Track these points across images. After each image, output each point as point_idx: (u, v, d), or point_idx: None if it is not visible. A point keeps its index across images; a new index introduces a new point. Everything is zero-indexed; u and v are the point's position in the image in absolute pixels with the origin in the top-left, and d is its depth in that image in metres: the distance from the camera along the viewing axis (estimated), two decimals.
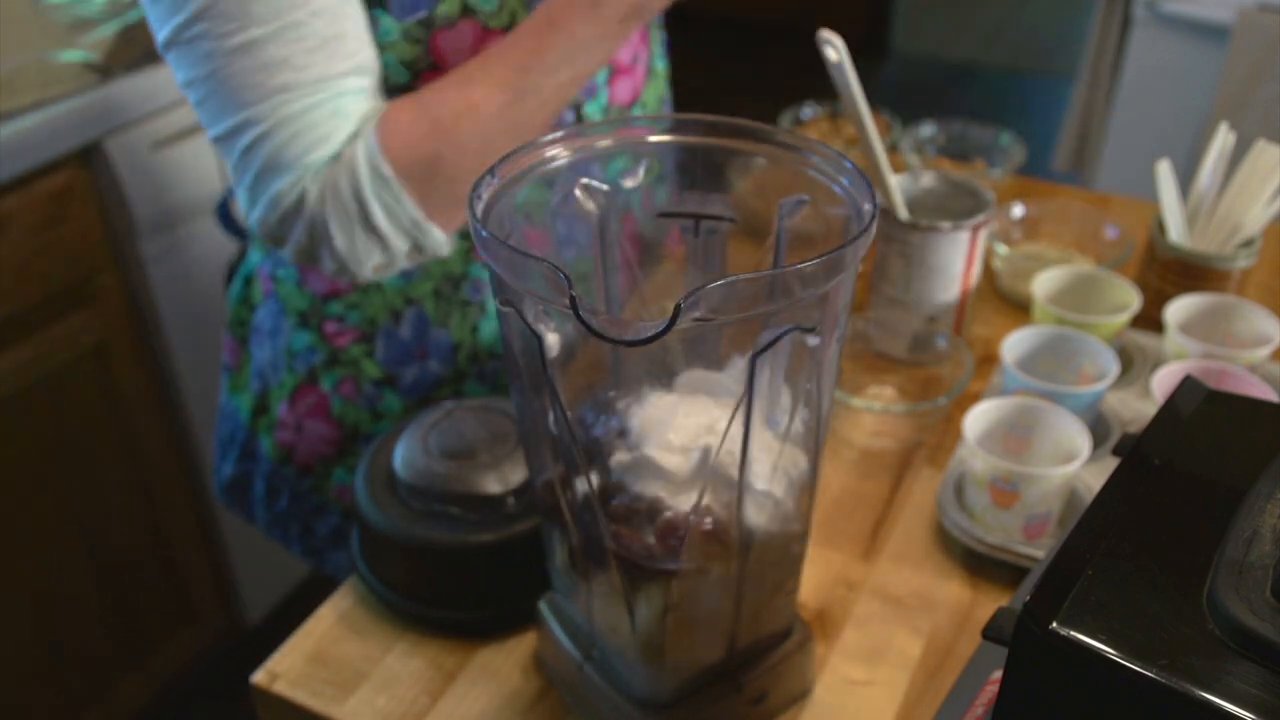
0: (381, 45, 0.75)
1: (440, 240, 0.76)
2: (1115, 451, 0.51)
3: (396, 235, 0.74)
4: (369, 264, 0.75)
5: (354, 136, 0.72)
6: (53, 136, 1.29)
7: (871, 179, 0.65)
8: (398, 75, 0.77)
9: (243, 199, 0.75)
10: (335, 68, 0.71)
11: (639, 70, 0.90)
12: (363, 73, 0.73)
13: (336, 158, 0.72)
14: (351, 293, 0.88)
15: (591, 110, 0.86)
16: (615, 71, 0.87)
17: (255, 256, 0.97)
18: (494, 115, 0.71)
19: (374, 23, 0.75)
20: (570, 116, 0.85)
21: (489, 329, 0.90)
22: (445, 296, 0.87)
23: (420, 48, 0.76)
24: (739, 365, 0.56)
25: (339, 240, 0.73)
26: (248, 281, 0.99)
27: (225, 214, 1.22)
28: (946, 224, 0.87)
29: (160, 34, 0.71)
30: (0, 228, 1.27)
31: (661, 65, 0.96)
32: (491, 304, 0.88)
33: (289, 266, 0.89)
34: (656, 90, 0.95)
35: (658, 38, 0.94)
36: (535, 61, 0.71)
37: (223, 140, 0.72)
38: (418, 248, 0.76)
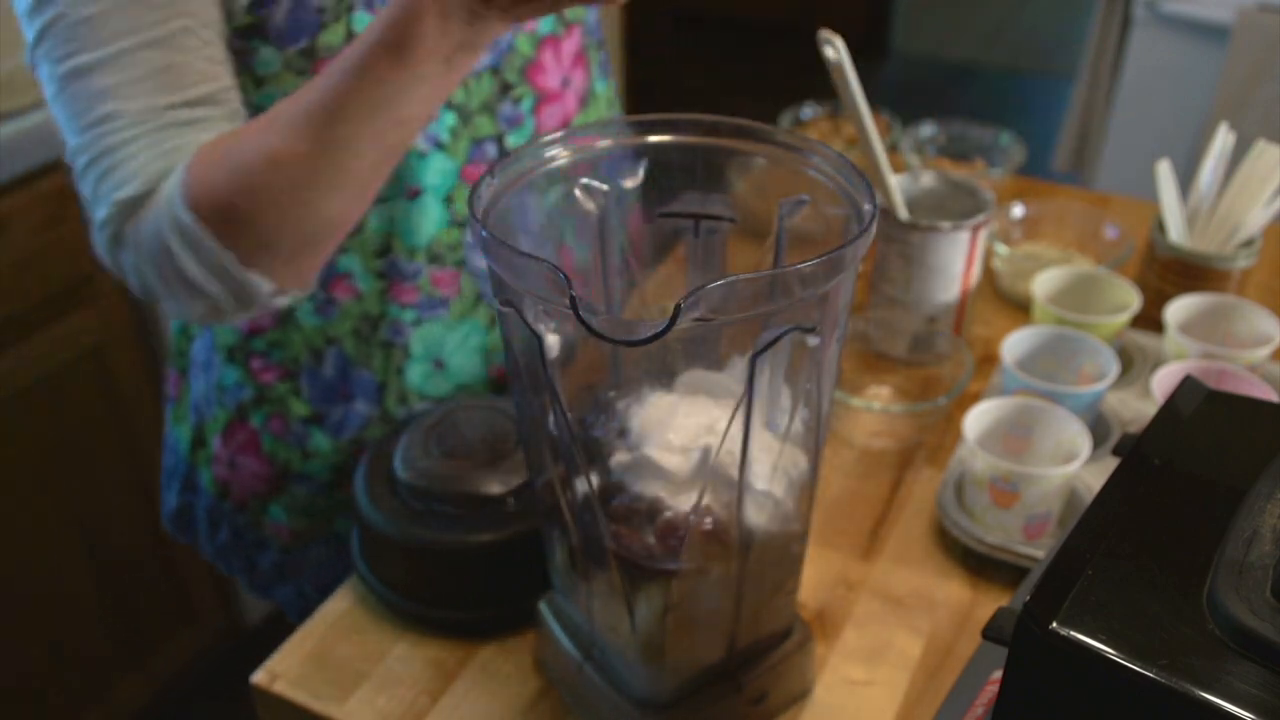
0: (261, 78, 0.72)
1: (266, 289, 0.69)
2: (1115, 451, 0.51)
3: (210, 282, 0.68)
4: (194, 311, 0.70)
5: (167, 175, 0.67)
6: (53, 136, 1.28)
7: (871, 179, 0.64)
8: None
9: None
10: (164, 99, 0.66)
11: (570, 96, 0.86)
12: (199, 104, 0.68)
13: (149, 196, 0.67)
14: (273, 330, 0.85)
15: (515, 141, 0.82)
16: (543, 99, 0.83)
17: None
18: (297, 166, 0.64)
19: (252, 54, 0.71)
20: (493, 150, 0.82)
21: (416, 372, 0.86)
22: (364, 337, 0.84)
23: (304, 79, 0.71)
24: (739, 365, 0.56)
25: (153, 283, 0.69)
26: None
27: None
28: (946, 224, 0.87)
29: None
30: (0, 228, 1.26)
31: (603, 88, 0.92)
32: (416, 346, 0.85)
33: None
34: (597, 113, 0.91)
35: (596, 59, 0.90)
36: (338, 111, 0.62)
37: (69, 160, 0.69)
38: (238, 298, 0.69)
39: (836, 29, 0.81)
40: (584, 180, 0.58)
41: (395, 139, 0.65)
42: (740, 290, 0.44)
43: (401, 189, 0.78)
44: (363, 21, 0.72)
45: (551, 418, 0.52)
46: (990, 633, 0.42)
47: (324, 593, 0.93)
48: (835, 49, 0.79)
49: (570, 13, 0.84)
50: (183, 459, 0.98)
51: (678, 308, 0.42)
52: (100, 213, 0.68)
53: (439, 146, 0.78)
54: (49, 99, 0.69)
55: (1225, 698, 0.35)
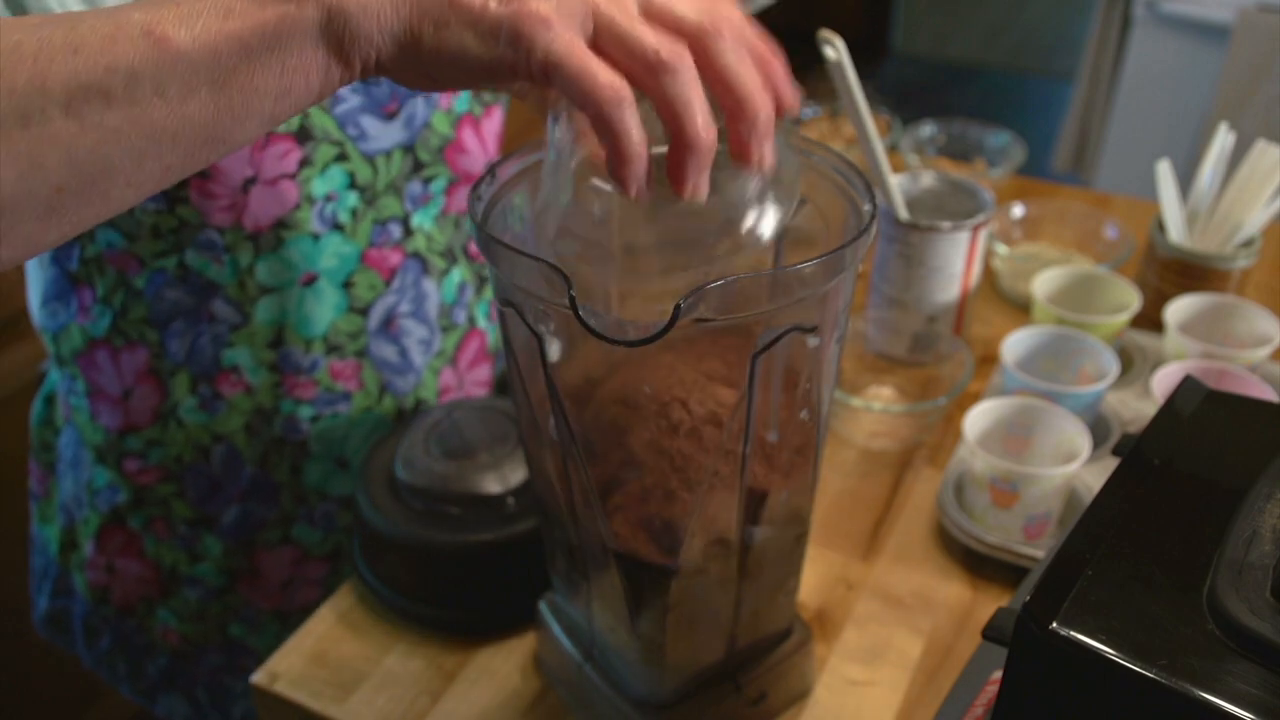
0: None
1: None
2: (1115, 451, 0.51)
3: None
4: None
5: None
6: None
7: (871, 179, 0.64)
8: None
9: None
10: None
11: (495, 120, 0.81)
12: None
13: None
14: (150, 427, 0.78)
15: (420, 219, 0.77)
16: (460, 180, 0.79)
17: (55, 375, 0.85)
18: None
19: None
20: (397, 230, 0.76)
21: (316, 471, 0.80)
22: (258, 432, 0.78)
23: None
24: (739, 365, 0.56)
25: None
26: (49, 401, 0.87)
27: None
28: (946, 224, 0.87)
29: None
30: None
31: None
32: (315, 444, 0.79)
33: (80, 395, 0.79)
34: None
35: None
36: (65, 76, 0.38)
37: None
38: None
39: (836, 29, 0.81)
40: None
41: (150, 157, 0.40)
42: (740, 290, 0.44)
43: (295, 275, 0.72)
44: None
45: (551, 418, 0.52)
46: (990, 633, 0.42)
47: (218, 703, 0.88)
48: (835, 49, 0.79)
49: (487, 94, 0.78)
50: (52, 561, 0.90)
51: (678, 308, 0.42)
52: None
53: (336, 228, 0.72)
54: None
55: (1225, 698, 0.35)
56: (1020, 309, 1.02)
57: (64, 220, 0.41)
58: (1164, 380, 0.80)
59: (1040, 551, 0.72)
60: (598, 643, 0.62)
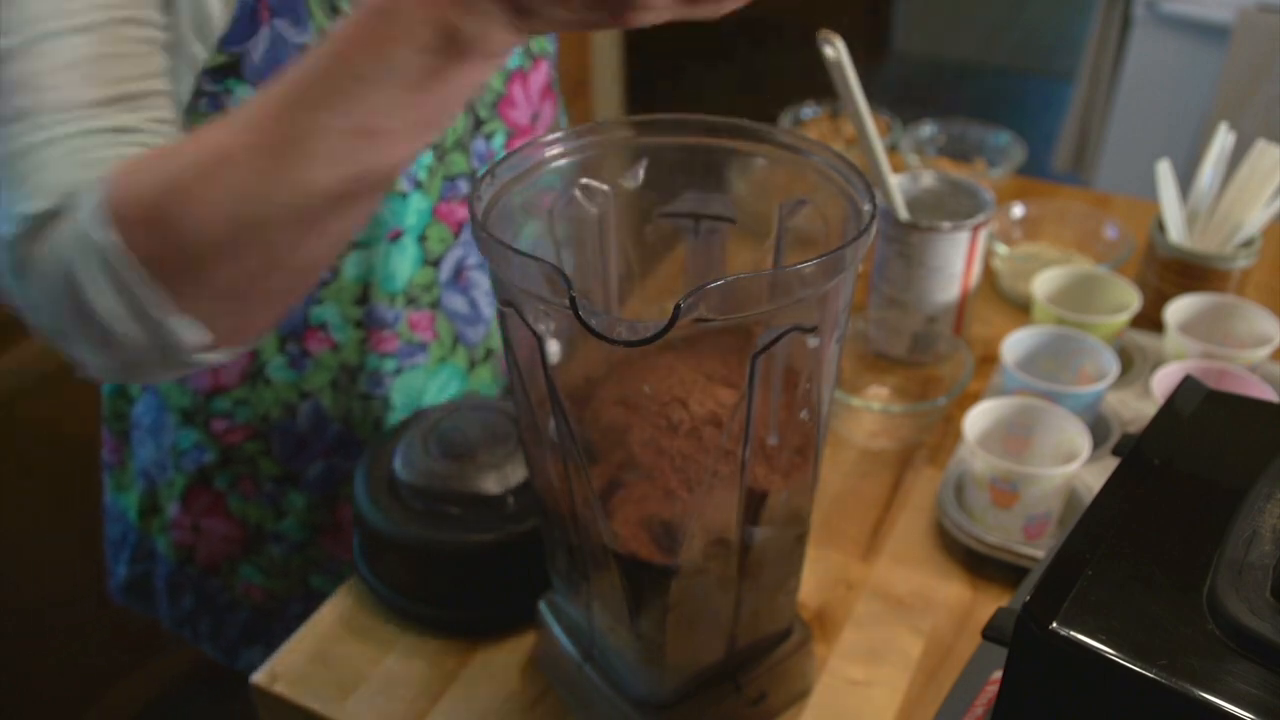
0: None
1: (192, 340, 0.55)
2: (1115, 451, 0.51)
3: (126, 324, 0.54)
4: (105, 363, 0.57)
5: (79, 190, 0.54)
6: None
7: (871, 179, 0.64)
8: None
9: None
10: (88, 94, 0.55)
11: (540, 130, 0.85)
12: (139, 107, 0.57)
13: (54, 215, 0.54)
14: (238, 387, 0.80)
15: None
16: (514, 134, 0.82)
17: None
18: (244, 164, 0.51)
19: (227, 95, 0.65)
20: (464, 186, 0.80)
21: (396, 422, 0.82)
22: (343, 389, 0.81)
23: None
24: (739, 365, 0.56)
25: (45, 318, 0.56)
26: None
27: None
28: (946, 224, 0.87)
29: None
30: None
31: (564, 122, 0.92)
32: (396, 397, 0.82)
33: None
34: None
35: (559, 92, 0.89)
36: (296, 98, 0.50)
37: None
38: (165, 351, 0.55)
39: (836, 29, 0.81)
40: (584, 180, 0.58)
41: (358, 158, 0.51)
42: (740, 290, 0.44)
43: (383, 232, 0.76)
44: None
45: (551, 418, 0.52)
46: (990, 633, 0.42)
47: None
48: (835, 49, 0.79)
49: (535, 45, 0.82)
50: (132, 528, 0.92)
51: (678, 308, 0.42)
52: (2, 230, 0.55)
53: (417, 185, 0.77)
54: None
55: (1225, 698, 0.35)
56: (1020, 309, 1.02)
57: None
58: (1164, 380, 0.80)
59: (1040, 551, 0.72)
60: (598, 643, 0.62)
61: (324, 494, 0.85)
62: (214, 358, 0.58)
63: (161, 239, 0.52)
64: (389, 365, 0.81)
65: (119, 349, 0.55)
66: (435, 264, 0.81)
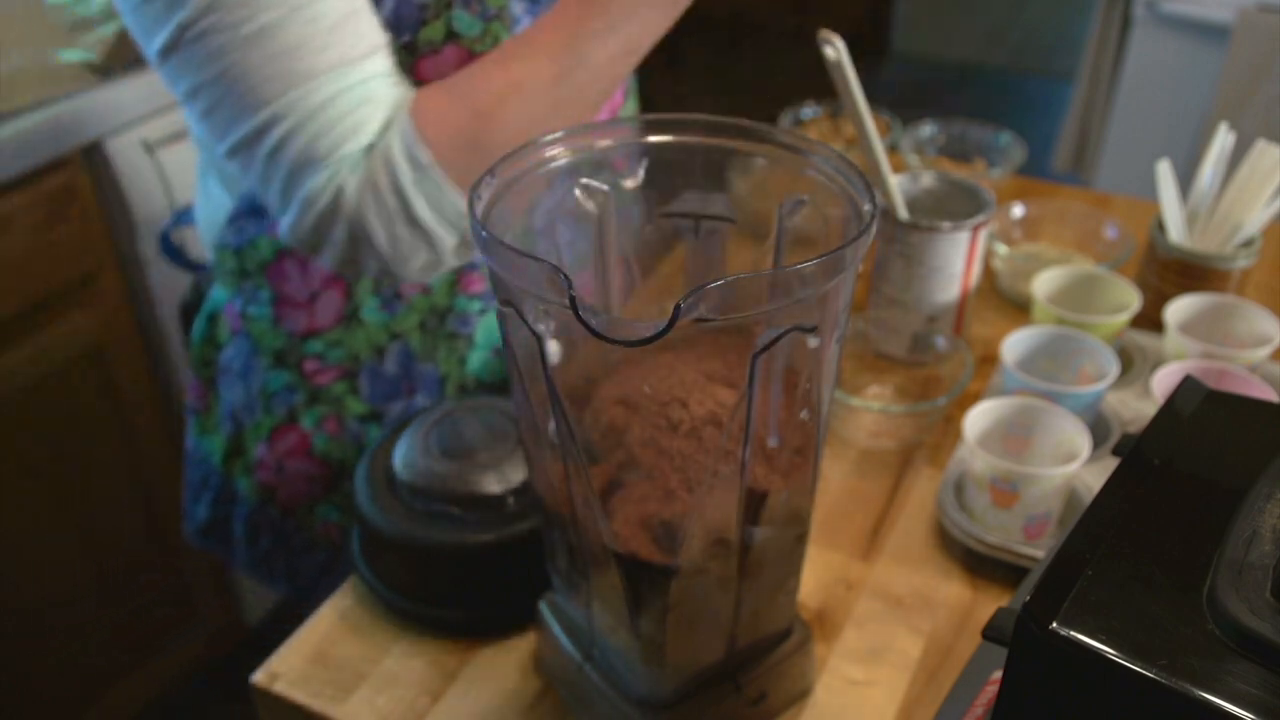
0: None
1: None
2: (1115, 451, 0.51)
3: (443, 228, 0.69)
4: (415, 263, 0.71)
5: (387, 125, 0.68)
6: (53, 136, 1.29)
7: (871, 179, 0.64)
8: None
9: (273, 205, 0.71)
10: (356, 49, 0.66)
11: (617, 99, 0.88)
12: (382, 54, 0.69)
13: (371, 149, 0.68)
14: (332, 330, 0.85)
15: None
16: None
17: (219, 294, 0.92)
18: (540, 91, 0.66)
19: None
20: None
21: (476, 359, 0.87)
22: (431, 330, 0.85)
23: (403, 72, 0.72)
24: (739, 365, 0.56)
25: (381, 239, 0.69)
26: (211, 320, 0.94)
27: (169, 246, 1.11)
28: (946, 224, 0.87)
29: (156, 40, 0.66)
30: (0, 228, 1.27)
31: (633, 82, 0.94)
32: (480, 335, 0.86)
33: (262, 304, 0.86)
34: (630, 109, 0.94)
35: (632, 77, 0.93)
36: (580, 28, 0.66)
37: (242, 148, 0.68)
38: (466, 241, 0.71)
39: (836, 29, 0.81)
40: (584, 180, 0.58)
41: (623, 67, 0.68)
42: (740, 290, 0.44)
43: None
44: (461, 19, 0.73)
45: (551, 418, 0.52)
46: (990, 633, 0.42)
47: None
48: (835, 49, 0.79)
49: None
50: (215, 470, 0.96)
51: (678, 308, 0.42)
52: (318, 176, 0.67)
53: None
54: (204, 84, 0.65)
55: (1225, 698, 0.35)
56: (1020, 309, 1.02)
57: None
58: (1164, 380, 0.80)
59: (1040, 551, 0.72)
60: (598, 643, 0.62)
61: None
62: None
63: (470, 154, 0.67)
64: (475, 306, 0.85)
65: (430, 248, 0.70)
66: None
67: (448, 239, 0.70)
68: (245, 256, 0.85)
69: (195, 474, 0.99)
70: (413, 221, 0.68)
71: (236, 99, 0.65)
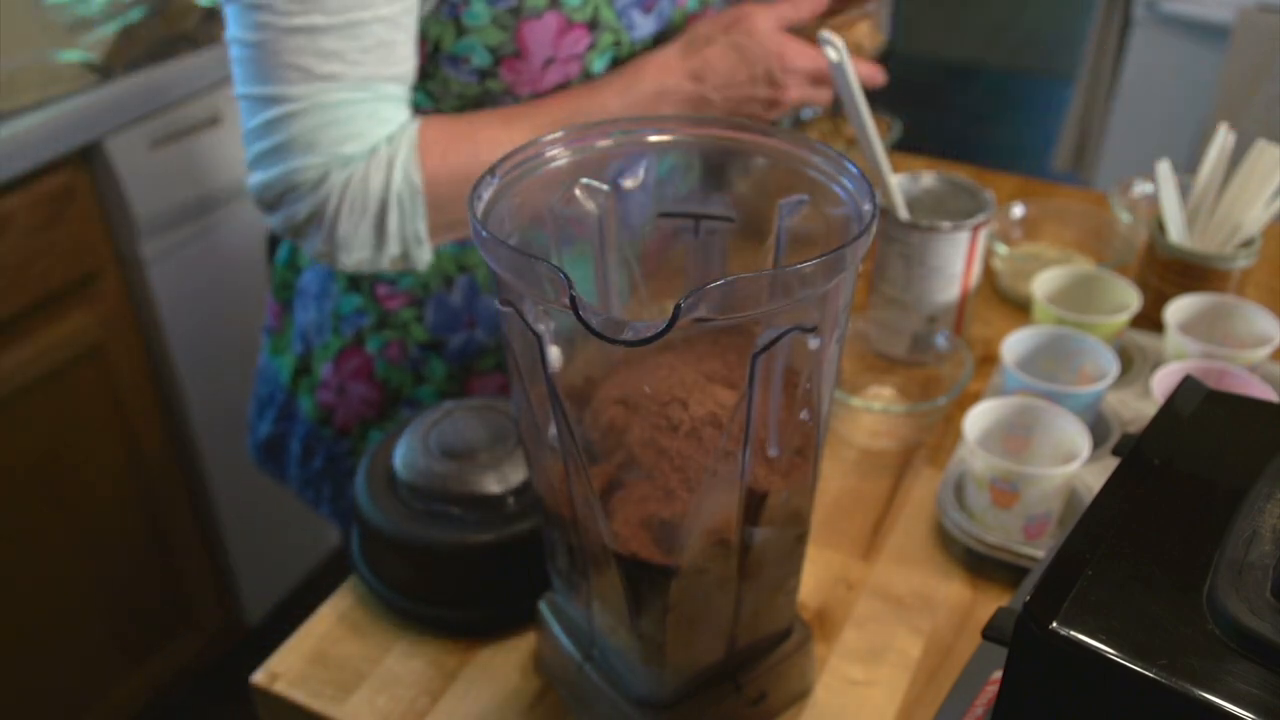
0: (468, 28, 0.78)
1: (427, 258, 0.79)
2: (1115, 451, 0.51)
3: (396, 242, 0.77)
4: (354, 257, 0.77)
5: (391, 139, 0.75)
6: (53, 136, 1.29)
7: (871, 179, 0.65)
8: (481, 59, 0.79)
9: (249, 157, 0.76)
10: (384, 71, 0.74)
11: None
12: (402, 82, 0.76)
13: (371, 154, 0.75)
14: None
15: None
16: None
17: None
18: None
19: (464, 6, 0.77)
20: None
21: None
22: None
23: (506, 34, 0.78)
24: (739, 366, 0.56)
25: (342, 228, 0.76)
26: (295, 247, 1.00)
27: None
28: (946, 224, 0.87)
29: None
30: (0, 228, 1.27)
31: None
32: None
33: None
34: None
35: None
36: (592, 107, 0.79)
37: (249, 100, 0.74)
38: (404, 258, 0.78)
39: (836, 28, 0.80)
40: (584, 180, 0.58)
41: None
42: (740, 290, 0.44)
43: None
44: None
45: (551, 418, 0.52)
46: (990, 633, 0.42)
47: None
48: (836, 50, 0.79)
49: None
50: (281, 387, 1.02)
51: (678, 308, 0.42)
52: (311, 159, 0.73)
53: None
54: (244, 40, 0.72)
55: (1225, 698, 0.35)
56: (1020, 309, 1.02)
57: None
58: (1164, 380, 0.80)
59: (1040, 551, 0.72)
60: (598, 643, 0.62)
61: (461, 364, 0.94)
62: (422, 266, 0.80)
63: (457, 190, 0.76)
64: None
65: (377, 254, 0.77)
66: None
67: (394, 250, 0.78)
68: None
69: (264, 391, 1.06)
70: (380, 226, 0.76)
71: (262, 66, 0.72)
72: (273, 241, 1.07)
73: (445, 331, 0.93)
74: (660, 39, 0.86)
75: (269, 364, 1.05)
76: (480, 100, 0.83)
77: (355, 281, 0.93)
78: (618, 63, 0.85)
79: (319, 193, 0.75)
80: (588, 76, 0.84)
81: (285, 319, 1.02)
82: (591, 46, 0.81)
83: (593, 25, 0.80)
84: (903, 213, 0.88)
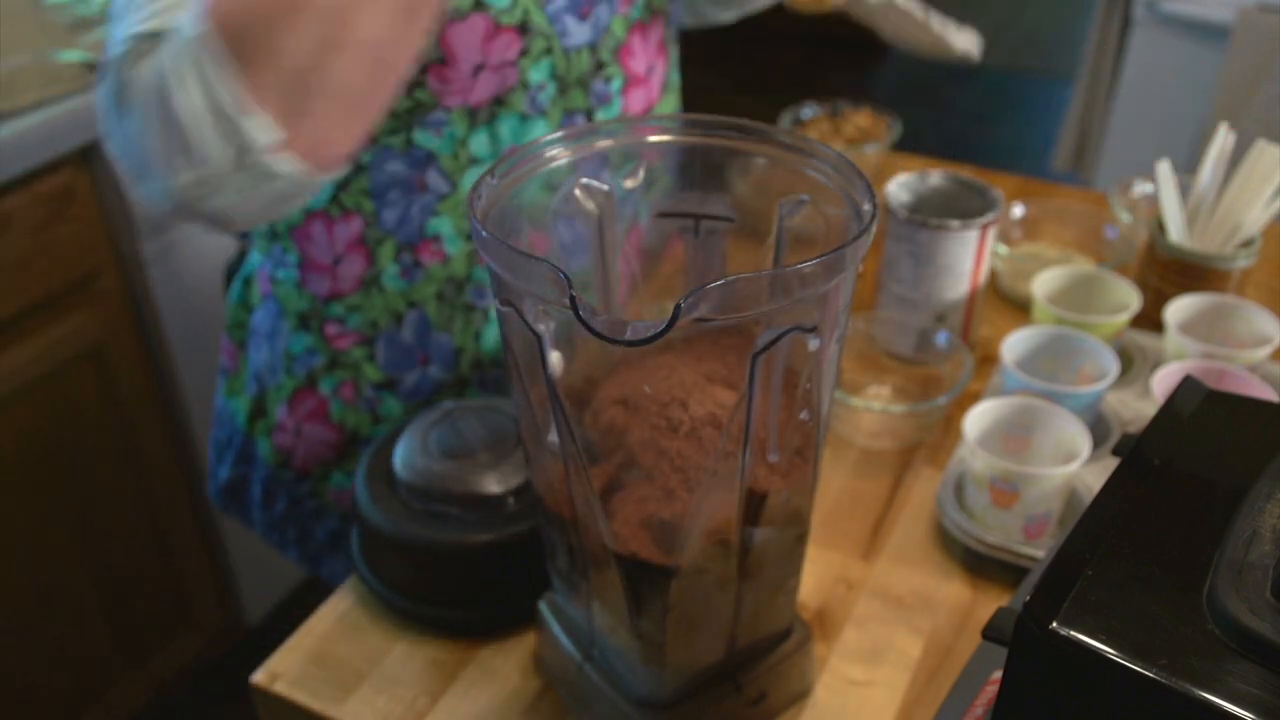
0: None
1: (264, 140, 0.60)
2: (1115, 451, 0.51)
3: (205, 128, 0.59)
4: (178, 177, 0.61)
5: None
6: (53, 136, 1.29)
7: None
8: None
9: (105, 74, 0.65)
10: None
11: (654, 82, 0.89)
12: None
13: (156, 37, 0.62)
14: (354, 294, 0.87)
15: (603, 116, 0.86)
16: (630, 81, 0.86)
17: (255, 258, 0.95)
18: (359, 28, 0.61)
19: None
20: (581, 121, 0.85)
21: (492, 335, 0.88)
22: (448, 300, 0.86)
23: (430, 38, 0.73)
24: (739, 366, 0.56)
25: (134, 153, 0.63)
26: (247, 283, 0.97)
27: None
28: (956, 222, 0.87)
29: None
30: (0, 228, 1.27)
31: (676, 79, 0.96)
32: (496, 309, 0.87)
33: (289, 268, 0.89)
34: (670, 105, 0.94)
35: (674, 51, 0.94)
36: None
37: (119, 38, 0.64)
38: (241, 152, 0.60)
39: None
40: (584, 180, 0.58)
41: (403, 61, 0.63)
42: (740, 290, 0.44)
43: (501, 149, 0.81)
44: None
45: (552, 418, 0.52)
46: (990, 633, 0.42)
47: None
48: None
49: (657, 1, 0.87)
50: (238, 430, 0.99)
51: (678, 308, 0.42)
52: (113, 53, 0.62)
53: (541, 113, 0.81)
54: None
55: (1225, 698, 0.35)
56: (1020, 309, 1.02)
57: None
58: (1164, 380, 0.80)
59: (1040, 551, 0.72)
60: (598, 643, 0.62)
61: (417, 402, 0.91)
62: (290, 168, 0.62)
63: (251, 29, 0.58)
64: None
65: (200, 162, 0.60)
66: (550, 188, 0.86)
67: (211, 138, 0.59)
68: None
69: (221, 434, 1.02)
70: (171, 119, 0.60)
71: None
72: (229, 278, 1.03)
73: (398, 370, 0.89)
74: (594, 48, 0.82)
75: (225, 406, 1.01)
76: (412, 112, 0.77)
77: (304, 320, 0.89)
78: (555, 72, 0.80)
79: (125, 106, 0.62)
80: (525, 85, 0.79)
81: (240, 359, 0.98)
82: (524, 53, 0.77)
83: (523, 30, 0.76)
84: (962, 44, 0.88)
